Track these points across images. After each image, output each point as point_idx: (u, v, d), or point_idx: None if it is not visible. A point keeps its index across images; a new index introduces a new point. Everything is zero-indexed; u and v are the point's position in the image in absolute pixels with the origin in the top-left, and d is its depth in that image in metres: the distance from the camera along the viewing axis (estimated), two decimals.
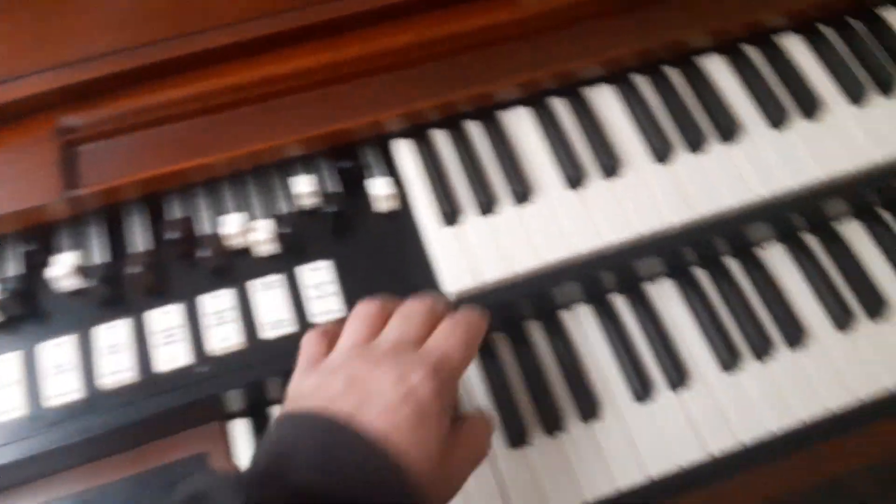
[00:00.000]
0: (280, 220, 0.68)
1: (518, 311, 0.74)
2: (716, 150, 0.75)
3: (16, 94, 0.69)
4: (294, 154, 0.71)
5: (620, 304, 0.76)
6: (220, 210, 0.70)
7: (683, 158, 0.74)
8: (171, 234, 0.67)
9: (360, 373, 0.51)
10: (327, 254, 0.69)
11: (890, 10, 0.85)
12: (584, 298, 0.76)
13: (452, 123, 0.76)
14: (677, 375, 0.71)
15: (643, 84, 0.79)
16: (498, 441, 0.69)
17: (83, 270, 0.67)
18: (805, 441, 0.70)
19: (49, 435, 0.62)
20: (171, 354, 0.64)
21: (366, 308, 0.58)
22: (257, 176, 0.72)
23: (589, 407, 0.70)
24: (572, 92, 0.77)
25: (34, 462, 0.62)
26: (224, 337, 0.64)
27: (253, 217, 0.69)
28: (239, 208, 0.70)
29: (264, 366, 0.64)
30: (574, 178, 0.72)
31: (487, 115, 0.76)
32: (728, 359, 0.72)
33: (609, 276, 0.74)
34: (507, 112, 0.77)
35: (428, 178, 0.72)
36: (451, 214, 0.70)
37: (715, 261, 0.77)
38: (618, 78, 0.78)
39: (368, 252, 0.69)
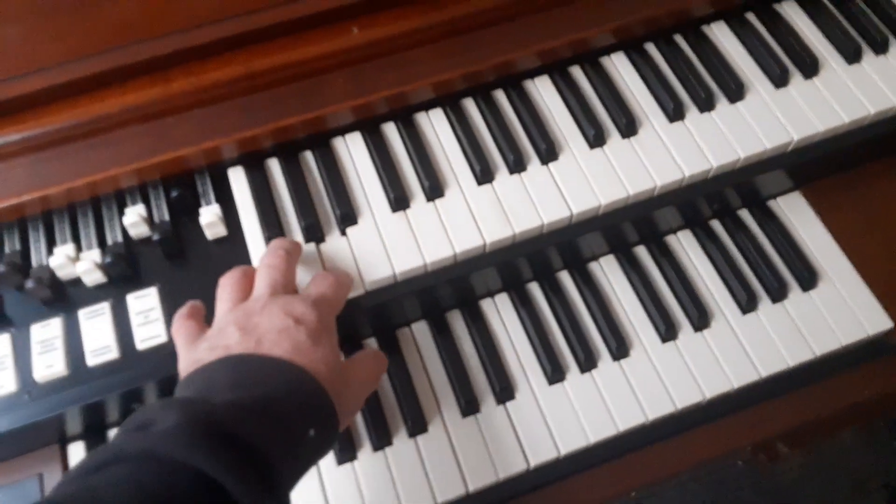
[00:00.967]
0: (106, 250, 0.71)
1: (355, 327, 0.77)
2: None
3: None
4: (129, 185, 0.74)
5: (457, 319, 0.80)
6: (54, 241, 0.72)
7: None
8: (1, 268, 0.69)
9: (248, 320, 0.56)
10: (154, 281, 0.72)
11: None
12: (420, 315, 0.79)
13: (287, 151, 0.79)
14: (501, 389, 0.75)
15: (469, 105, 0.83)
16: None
17: None
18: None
19: None
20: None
21: (229, 276, 0.63)
22: (94, 207, 0.75)
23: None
24: (403, 116, 0.81)
25: None
26: (49, 364, 0.67)
27: (84, 248, 0.72)
28: (74, 239, 0.73)
29: (87, 391, 0.67)
30: (399, 200, 0.75)
31: (321, 141, 0.79)
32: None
33: (437, 293, 0.77)
34: (340, 138, 0.80)
35: (257, 205, 0.75)
36: None
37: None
38: (447, 100, 0.82)
39: (195, 278, 0.72)
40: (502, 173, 0.77)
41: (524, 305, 0.80)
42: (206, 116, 0.75)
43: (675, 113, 0.81)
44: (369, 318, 0.76)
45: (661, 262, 0.83)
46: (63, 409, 0.66)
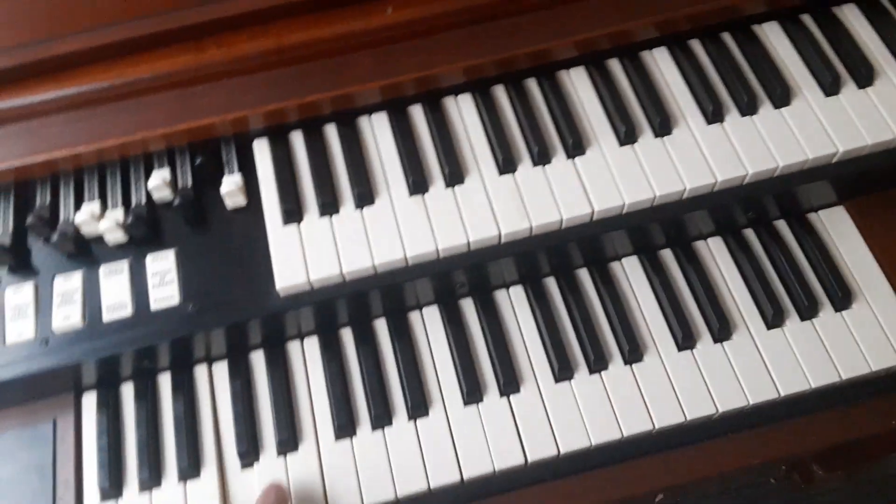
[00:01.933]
0: (129, 210, 0.73)
1: (365, 308, 0.77)
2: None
3: None
4: (157, 149, 0.76)
5: (469, 309, 0.79)
6: (82, 198, 0.75)
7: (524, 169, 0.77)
8: (30, 220, 0.72)
9: None
10: (172, 245, 0.73)
11: None
12: (433, 299, 0.79)
13: (313, 126, 0.79)
14: (506, 381, 0.74)
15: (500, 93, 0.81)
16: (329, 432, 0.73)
17: None
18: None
19: None
20: (19, 329, 0.70)
21: None
22: (122, 168, 0.77)
23: (419, 405, 0.73)
24: (431, 99, 0.80)
25: None
26: (66, 315, 0.70)
27: (109, 206, 0.74)
28: (100, 198, 0.75)
29: (101, 345, 0.69)
30: (419, 183, 0.75)
31: (347, 118, 0.79)
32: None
33: (450, 279, 0.76)
34: (365, 117, 0.80)
35: (277, 178, 0.75)
36: (293, 213, 0.73)
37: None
38: (476, 84, 0.80)
39: (213, 245, 0.74)
40: (525, 164, 0.76)
41: (538, 300, 0.79)
42: (235, 87, 0.76)
43: (713, 114, 0.77)
44: (381, 298, 0.76)
45: (686, 267, 0.80)
46: (77, 359, 0.69)
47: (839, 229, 0.83)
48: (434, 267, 0.73)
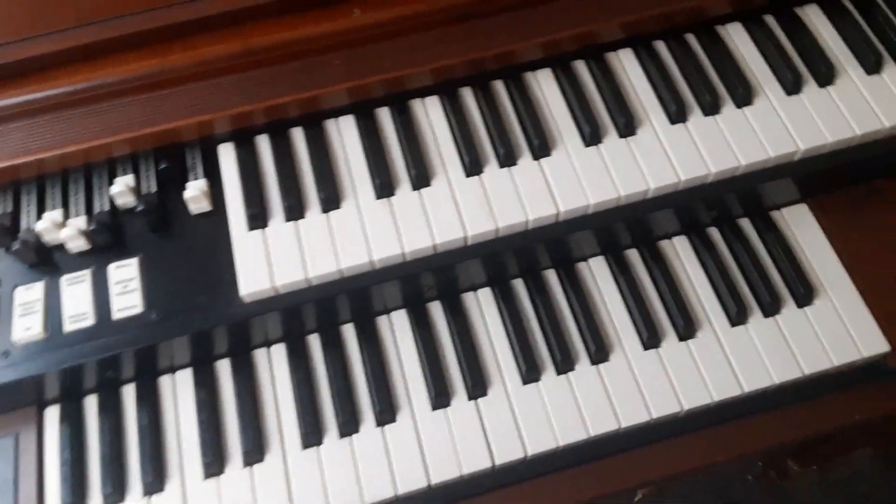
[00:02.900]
0: (92, 217, 0.72)
1: (332, 313, 0.77)
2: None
3: None
4: (121, 154, 0.75)
5: (437, 312, 0.79)
6: (45, 207, 0.74)
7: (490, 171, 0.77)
8: None
9: None
10: (136, 252, 0.72)
11: None
12: (401, 303, 0.79)
13: (279, 130, 0.78)
14: (474, 384, 0.74)
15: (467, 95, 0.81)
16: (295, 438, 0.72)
17: None
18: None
19: None
20: None
21: None
22: (85, 175, 0.76)
23: (387, 410, 0.73)
24: (398, 101, 0.80)
25: None
26: (27, 326, 0.69)
27: (72, 214, 0.73)
28: (63, 206, 0.74)
29: (63, 356, 0.69)
30: (385, 186, 0.75)
31: (314, 122, 0.79)
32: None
33: (418, 282, 0.76)
34: (332, 121, 0.79)
35: (242, 182, 0.75)
36: (258, 218, 0.73)
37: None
38: (444, 88, 0.80)
39: (177, 252, 0.73)
40: (492, 166, 0.76)
41: (506, 302, 0.79)
42: (202, 91, 0.75)
43: (677, 114, 0.78)
44: (348, 303, 0.76)
45: (651, 266, 0.81)
46: (39, 371, 0.68)
47: (802, 227, 0.84)
48: (401, 270, 0.73)
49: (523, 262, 0.80)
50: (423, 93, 0.80)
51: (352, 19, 0.78)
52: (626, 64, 0.83)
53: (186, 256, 0.73)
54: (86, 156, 0.74)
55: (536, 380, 0.75)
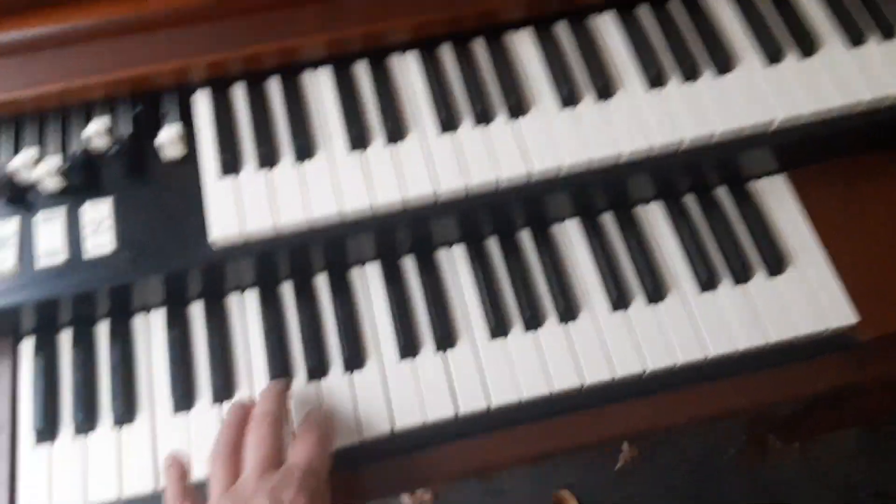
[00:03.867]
0: (67, 157, 0.73)
1: (304, 263, 0.78)
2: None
3: None
4: (97, 96, 0.76)
5: (409, 266, 0.80)
6: (20, 146, 0.75)
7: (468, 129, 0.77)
8: None
9: None
10: (110, 193, 0.73)
11: None
12: (374, 256, 0.80)
13: (255, 79, 0.79)
14: (442, 336, 0.75)
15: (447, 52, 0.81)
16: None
17: None
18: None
19: None
20: None
21: (219, 451, 0.62)
22: (62, 115, 0.76)
23: (356, 358, 0.74)
24: (376, 55, 0.80)
25: None
26: (1, 260, 0.70)
27: (46, 154, 0.74)
28: (39, 144, 0.75)
29: (34, 291, 0.70)
30: (359, 138, 0.75)
31: (291, 72, 0.79)
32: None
33: (391, 237, 0.77)
34: (310, 71, 0.79)
35: (216, 127, 0.75)
36: (230, 164, 0.74)
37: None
38: (422, 43, 0.80)
39: (151, 195, 0.74)
40: (467, 124, 0.76)
41: (479, 259, 0.80)
42: (178, 36, 0.75)
43: (655, 79, 0.78)
44: (321, 254, 0.77)
45: (625, 229, 0.81)
46: (10, 304, 0.69)
47: (779, 197, 0.84)
48: (371, 224, 0.74)
49: (497, 221, 0.80)
50: (403, 47, 0.80)
51: None
52: (609, 27, 0.82)
53: (160, 199, 0.73)
54: (62, 97, 0.74)
55: (504, 335, 0.76)
